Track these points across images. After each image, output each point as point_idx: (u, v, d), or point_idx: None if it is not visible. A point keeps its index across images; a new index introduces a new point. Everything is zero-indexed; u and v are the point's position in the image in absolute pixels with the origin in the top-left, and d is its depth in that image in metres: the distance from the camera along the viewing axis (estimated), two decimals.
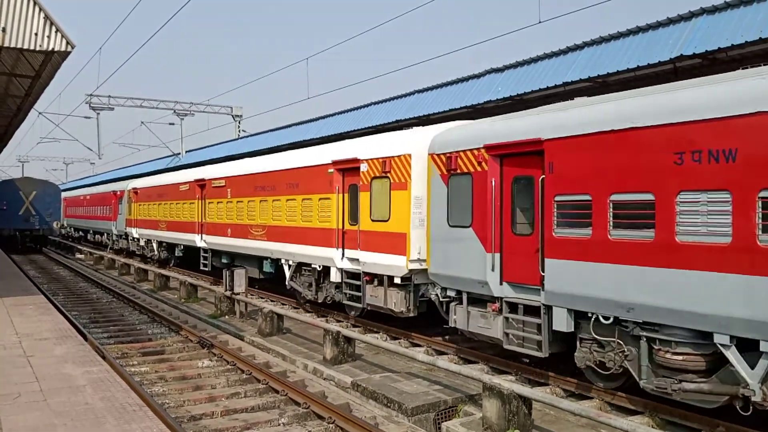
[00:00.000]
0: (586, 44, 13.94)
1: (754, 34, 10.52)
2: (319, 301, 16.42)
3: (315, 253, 15.99)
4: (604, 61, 13.21)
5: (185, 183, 26.01)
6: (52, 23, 10.94)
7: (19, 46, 10.82)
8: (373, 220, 13.91)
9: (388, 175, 13.47)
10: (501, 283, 10.39)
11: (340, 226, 15.11)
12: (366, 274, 14.14)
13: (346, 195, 15.11)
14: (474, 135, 11.03)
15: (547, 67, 14.74)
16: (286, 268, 17.64)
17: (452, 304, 11.49)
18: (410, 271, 12.84)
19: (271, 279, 20.35)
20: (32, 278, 24.59)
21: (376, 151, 14.01)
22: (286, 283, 17.63)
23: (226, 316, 18.00)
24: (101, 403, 7.21)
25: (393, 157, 13.43)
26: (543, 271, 9.50)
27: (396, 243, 13.08)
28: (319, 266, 15.89)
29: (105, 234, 41.38)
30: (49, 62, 12.37)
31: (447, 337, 13.36)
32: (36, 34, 10.87)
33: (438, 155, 11.68)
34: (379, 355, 12.99)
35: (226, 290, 18.26)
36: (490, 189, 10.45)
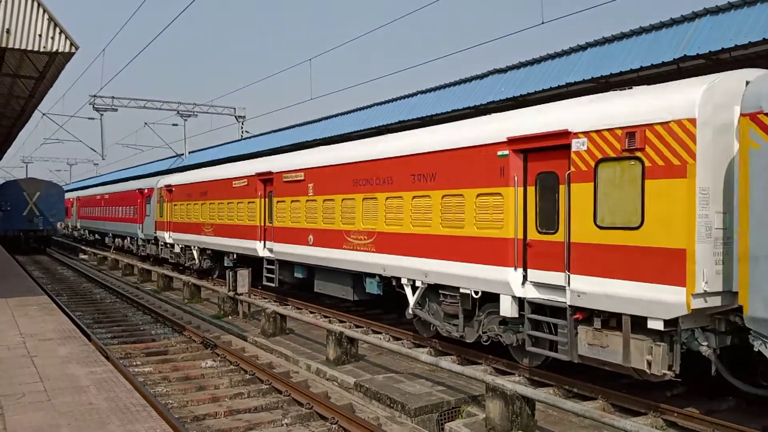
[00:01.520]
0: (589, 45, 13.93)
1: (757, 35, 10.51)
2: (468, 341, 11.76)
3: (468, 273, 11.18)
4: (607, 62, 13.20)
5: (242, 178, 20.80)
6: (56, 24, 10.98)
7: (23, 47, 10.87)
8: (601, 227, 9.00)
9: (640, 154, 8.57)
10: None
11: (519, 236, 10.27)
12: (579, 310, 9.31)
13: (531, 188, 10.26)
14: None
15: (550, 68, 14.74)
16: (408, 291, 12.92)
17: None
18: (693, 311, 8.02)
19: (371, 302, 16.35)
20: (36, 279, 24.69)
21: (610, 117, 9.09)
22: (409, 311, 12.98)
23: (230, 317, 18.02)
24: (105, 403, 7.23)
25: (651, 125, 8.48)
26: None
27: (660, 265, 8.26)
28: (475, 292, 11.15)
29: (128, 238, 36.39)
30: (53, 63, 12.42)
31: None
32: (40, 36, 10.91)
33: None
34: (382, 355, 12.99)
35: (229, 291, 18.28)
36: None
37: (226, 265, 22.56)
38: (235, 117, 38.34)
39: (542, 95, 14.69)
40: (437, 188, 12.04)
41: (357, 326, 15.46)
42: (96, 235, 46.70)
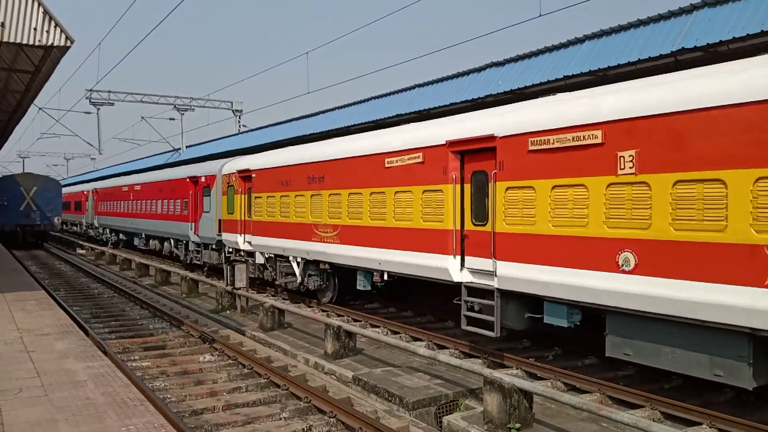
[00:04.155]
0: (587, 37, 13.90)
1: (755, 27, 10.49)
2: None
3: None
4: (605, 55, 13.17)
5: (408, 152, 13.04)
6: (51, 18, 10.94)
7: (18, 41, 10.83)
8: None
9: None
10: None
11: None
12: None
13: None
14: None
15: (548, 61, 14.71)
16: None
17: None
18: None
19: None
20: (33, 273, 24.66)
21: None
22: None
23: (228, 311, 18.02)
24: (102, 398, 7.22)
25: None
26: None
27: None
28: None
29: (171, 240, 28.63)
30: (49, 57, 12.37)
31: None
32: (35, 29, 10.87)
33: None
34: (380, 349, 13.00)
35: (227, 285, 18.26)
36: None
37: (362, 287, 15.25)
38: (233, 111, 38.27)
39: (540, 88, 14.67)
40: None
41: (355, 320, 15.46)
42: (121, 235, 38.81)
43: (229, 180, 21.78)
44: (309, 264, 17.11)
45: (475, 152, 11.45)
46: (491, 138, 10.87)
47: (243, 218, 20.61)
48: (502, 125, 10.84)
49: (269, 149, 23.36)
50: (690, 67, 9.76)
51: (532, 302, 10.44)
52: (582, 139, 9.27)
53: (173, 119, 39.75)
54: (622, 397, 9.27)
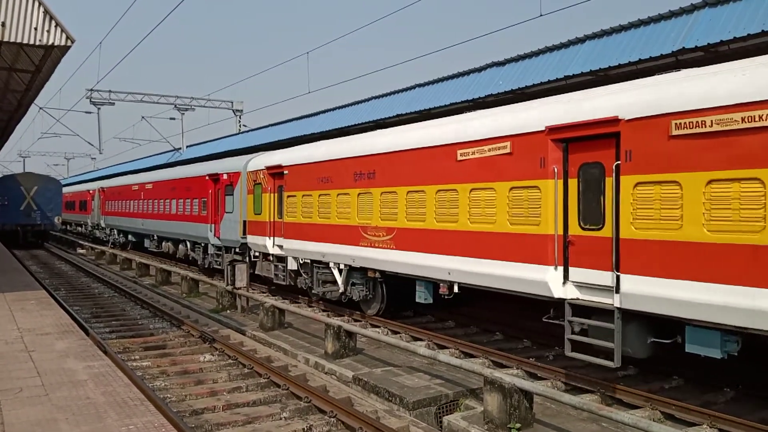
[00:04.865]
0: (587, 37, 13.90)
1: (756, 27, 10.48)
2: None
3: None
4: (605, 55, 13.17)
5: (490, 141, 10.86)
6: (51, 18, 10.96)
7: (18, 40, 10.86)
8: None
9: None
10: None
11: None
12: None
13: None
14: None
15: (549, 61, 14.70)
16: None
17: None
18: None
19: None
20: (34, 273, 24.66)
21: None
22: None
23: (228, 311, 18.02)
24: (103, 397, 7.22)
25: None
26: None
27: None
28: None
29: (187, 242, 26.78)
30: (49, 57, 12.39)
31: None
32: (36, 29, 10.90)
33: None
34: (380, 349, 13.00)
35: (227, 285, 18.27)
36: None
37: (422, 300, 13.26)
38: (233, 111, 38.27)
39: (541, 88, 14.66)
40: None
41: (355, 320, 15.46)
42: (130, 236, 37.03)
43: (255, 177, 19.60)
44: (353, 271, 15.19)
45: (584, 140, 9.20)
46: (613, 121, 8.67)
47: (273, 219, 18.60)
48: (629, 105, 8.60)
49: (271, 149, 23.37)
50: (691, 67, 9.74)
51: (657, 324, 8.49)
52: (756, 119, 7.03)
53: (174, 119, 39.77)
54: (622, 397, 9.27)
